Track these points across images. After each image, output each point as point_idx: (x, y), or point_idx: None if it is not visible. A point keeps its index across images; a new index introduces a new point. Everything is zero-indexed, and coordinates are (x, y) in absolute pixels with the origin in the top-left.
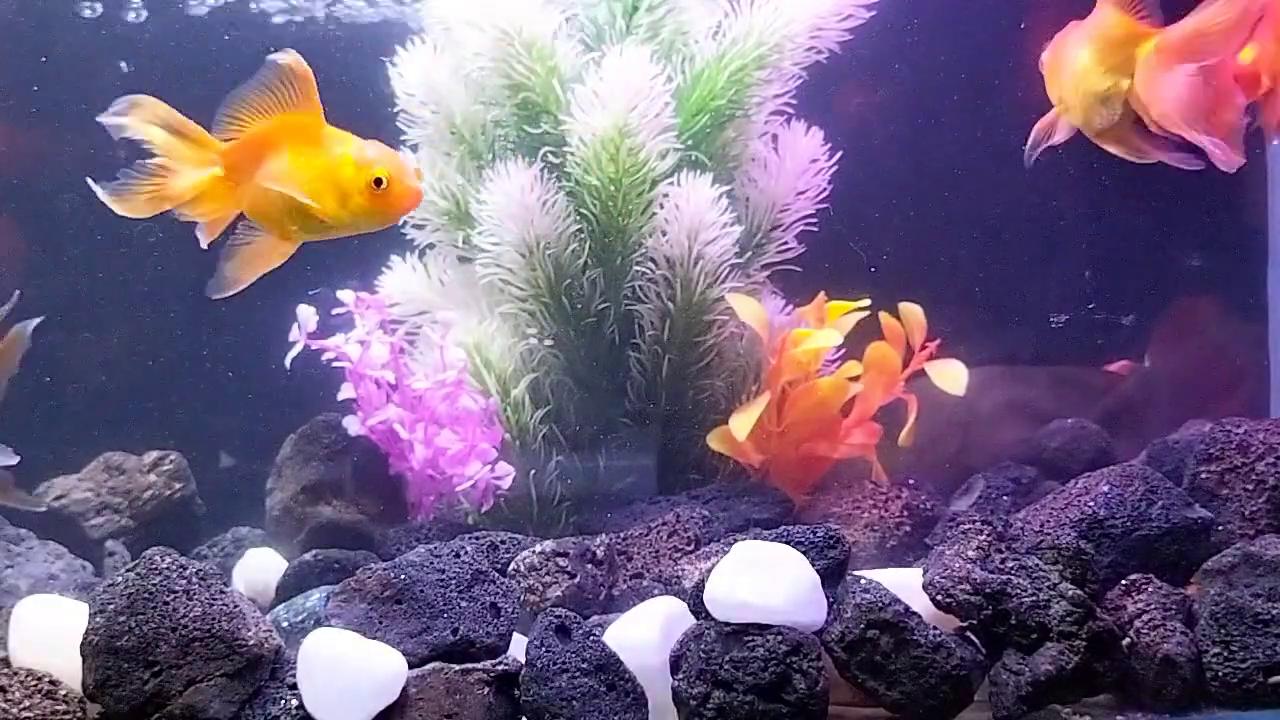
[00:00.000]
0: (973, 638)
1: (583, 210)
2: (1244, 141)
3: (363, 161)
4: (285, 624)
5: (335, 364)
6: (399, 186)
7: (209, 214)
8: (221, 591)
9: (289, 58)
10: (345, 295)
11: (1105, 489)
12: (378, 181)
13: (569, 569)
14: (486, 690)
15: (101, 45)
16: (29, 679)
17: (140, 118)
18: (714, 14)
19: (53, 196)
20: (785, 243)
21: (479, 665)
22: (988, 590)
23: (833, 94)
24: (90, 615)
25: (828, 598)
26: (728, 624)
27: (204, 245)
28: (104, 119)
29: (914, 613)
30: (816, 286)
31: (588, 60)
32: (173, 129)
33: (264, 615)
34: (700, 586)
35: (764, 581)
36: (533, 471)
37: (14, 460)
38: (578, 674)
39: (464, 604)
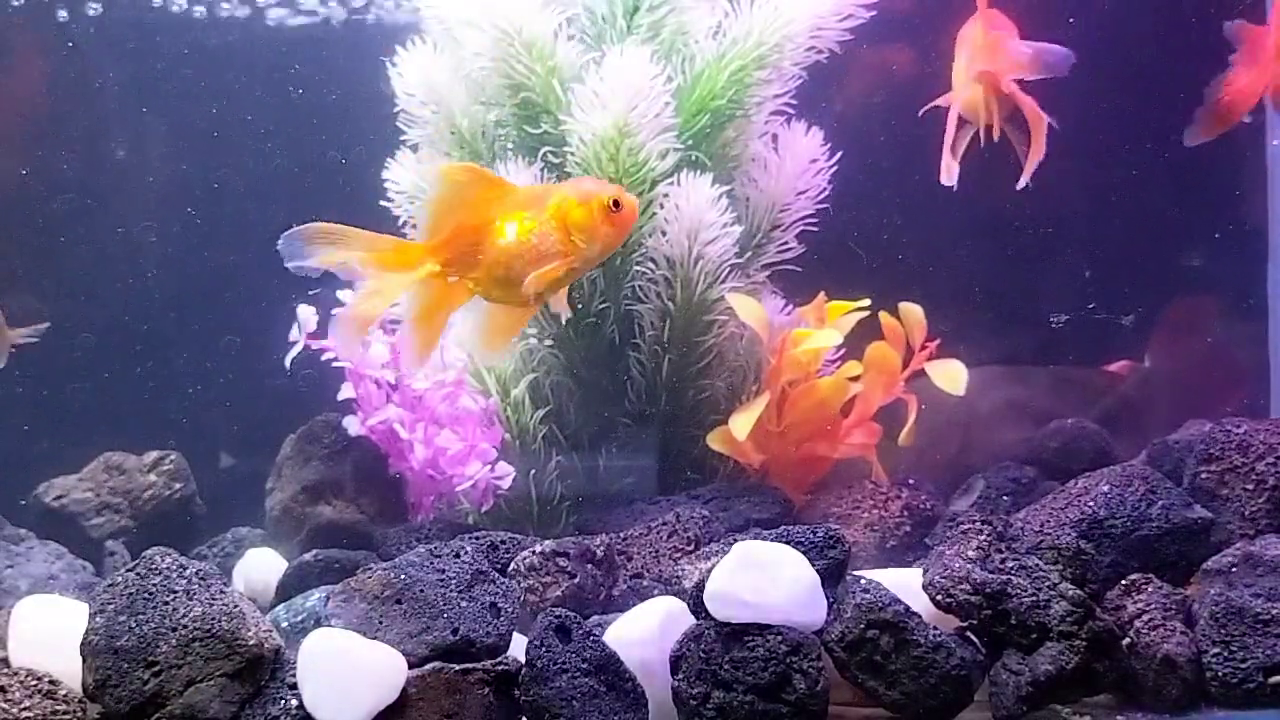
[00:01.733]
0: (973, 638)
1: None
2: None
3: (586, 197)
4: (285, 624)
5: (335, 364)
6: (628, 201)
7: (435, 311)
8: (221, 591)
9: (444, 162)
10: (345, 295)
11: (1105, 489)
12: (615, 205)
13: (569, 569)
14: (486, 690)
15: (101, 44)
16: (29, 679)
17: (322, 251)
18: (714, 14)
19: (47, 199)
20: (785, 243)
21: (479, 665)
22: (988, 590)
23: (833, 92)
24: (90, 615)
25: (828, 598)
26: (728, 624)
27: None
28: (290, 265)
29: (914, 613)
30: (816, 286)
31: (588, 60)
32: (360, 246)
33: (264, 615)
34: (700, 586)
35: (764, 581)
36: (533, 471)
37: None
38: (578, 674)
39: (464, 604)
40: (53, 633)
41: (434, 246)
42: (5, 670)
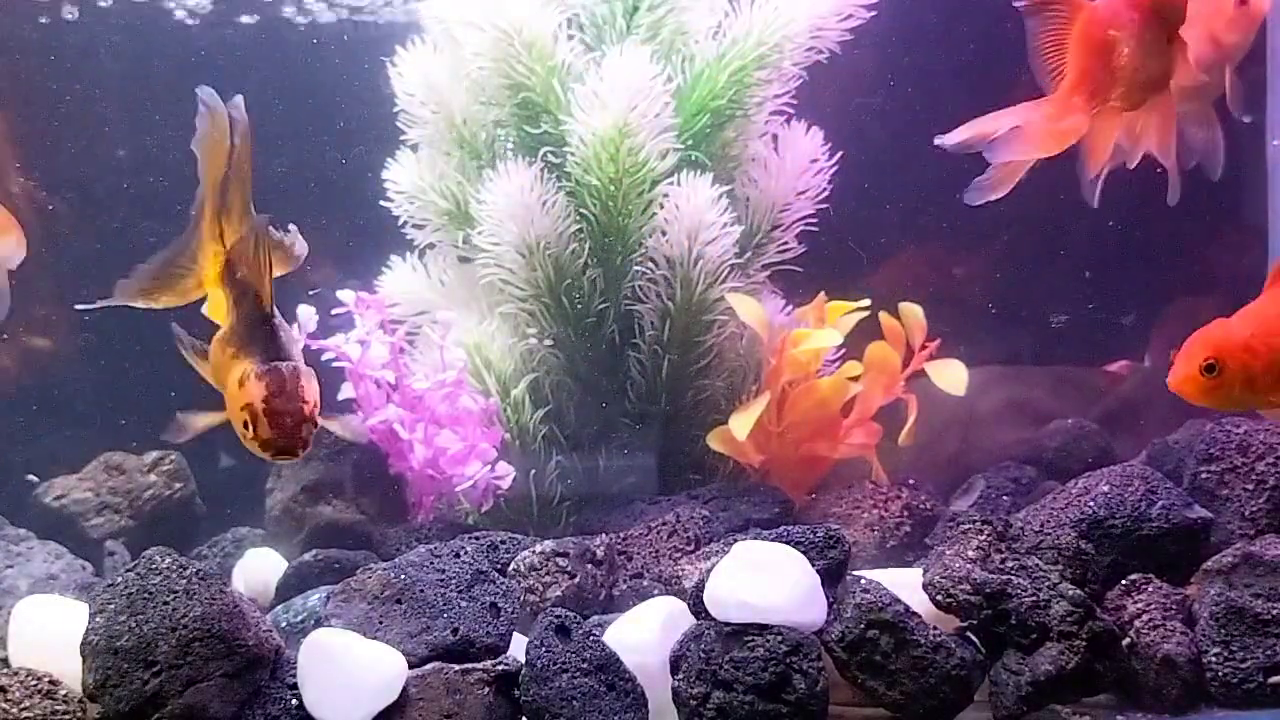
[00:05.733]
0: (973, 638)
1: (583, 210)
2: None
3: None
4: (285, 624)
5: (335, 364)
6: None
7: (1106, 136)
8: (221, 591)
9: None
10: (345, 295)
11: (1105, 489)
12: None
13: (569, 569)
14: (486, 690)
15: (103, 45)
16: (29, 679)
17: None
18: (714, 14)
19: (50, 197)
20: (785, 243)
21: (479, 665)
22: (988, 590)
23: (833, 93)
24: (90, 615)
25: (828, 598)
26: (728, 624)
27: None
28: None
29: (914, 613)
30: (816, 286)
31: (588, 60)
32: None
33: (264, 615)
34: (700, 586)
35: (764, 582)
36: (533, 471)
37: None
38: (578, 674)
39: (464, 604)
40: (53, 633)
41: (1072, 87)
42: (5, 670)
